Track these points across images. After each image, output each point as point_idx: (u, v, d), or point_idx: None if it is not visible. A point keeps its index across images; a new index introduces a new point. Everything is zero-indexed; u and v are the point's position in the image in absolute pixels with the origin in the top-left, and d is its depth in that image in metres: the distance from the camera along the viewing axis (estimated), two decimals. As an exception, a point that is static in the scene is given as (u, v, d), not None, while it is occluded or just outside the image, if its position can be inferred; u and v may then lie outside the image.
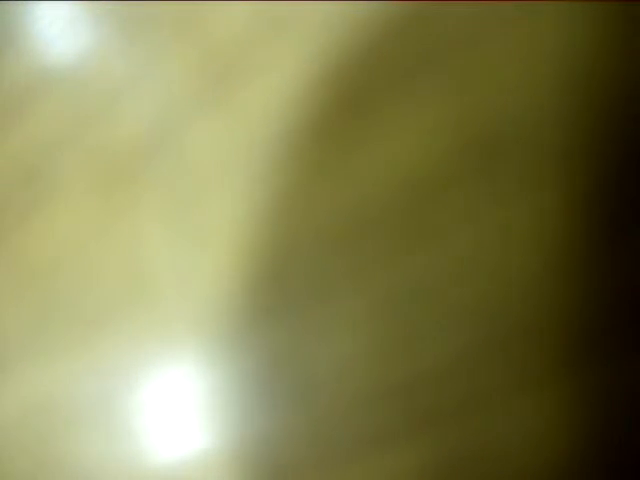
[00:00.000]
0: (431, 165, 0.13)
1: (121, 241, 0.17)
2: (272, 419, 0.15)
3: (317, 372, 0.14)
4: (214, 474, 0.15)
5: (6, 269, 0.19)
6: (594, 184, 0.12)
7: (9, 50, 0.19)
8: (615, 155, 0.12)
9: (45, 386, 0.18)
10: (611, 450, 0.11)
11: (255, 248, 0.15)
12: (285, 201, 0.15)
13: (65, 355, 0.18)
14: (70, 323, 0.18)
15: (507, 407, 0.12)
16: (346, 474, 0.14)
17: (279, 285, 0.15)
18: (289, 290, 0.14)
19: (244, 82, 0.15)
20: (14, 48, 0.19)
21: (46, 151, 0.18)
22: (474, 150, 0.13)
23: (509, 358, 0.12)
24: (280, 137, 0.15)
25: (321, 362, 0.14)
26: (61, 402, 0.18)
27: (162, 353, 0.16)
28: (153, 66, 0.17)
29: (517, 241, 0.12)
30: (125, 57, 0.17)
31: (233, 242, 0.15)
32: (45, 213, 0.18)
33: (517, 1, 0.12)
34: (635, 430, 0.11)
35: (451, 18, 0.13)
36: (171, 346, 0.16)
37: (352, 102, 0.14)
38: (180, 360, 0.16)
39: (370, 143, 0.14)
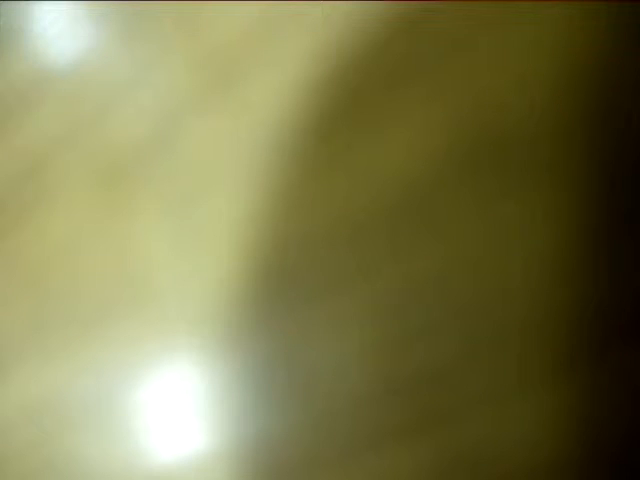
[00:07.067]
0: (433, 164, 0.13)
1: (121, 241, 0.17)
2: (271, 419, 0.15)
3: (315, 372, 0.14)
4: (213, 474, 0.15)
5: (4, 268, 0.19)
6: (595, 183, 0.12)
7: (10, 50, 0.19)
8: (616, 153, 0.12)
9: (43, 386, 0.18)
10: (610, 450, 0.11)
11: (254, 248, 0.15)
12: (285, 200, 0.15)
13: (64, 355, 0.18)
14: (69, 323, 0.18)
15: (505, 407, 0.12)
16: (343, 474, 0.14)
17: (278, 285, 0.15)
18: (288, 290, 0.14)
19: (245, 81, 0.15)
20: (15, 48, 0.19)
21: (46, 150, 0.18)
22: (475, 150, 0.13)
23: (507, 358, 0.12)
24: (281, 136, 0.15)
25: (319, 362, 0.14)
26: (60, 402, 0.18)
27: (161, 353, 0.16)
28: (153, 65, 0.17)
29: (516, 240, 0.12)
30: (125, 57, 0.17)
31: (233, 242, 0.15)
32: (44, 212, 0.18)
33: (518, 1, 0.12)
34: (634, 430, 0.11)
35: (452, 18, 0.13)
36: (170, 346, 0.16)
37: (354, 101, 0.14)
38: (179, 360, 0.16)
39: (372, 142, 0.14)
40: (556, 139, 0.12)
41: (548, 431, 0.12)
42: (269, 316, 0.15)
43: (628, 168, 0.11)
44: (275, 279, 0.15)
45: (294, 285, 0.14)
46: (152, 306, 0.16)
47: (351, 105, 0.14)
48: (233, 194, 0.15)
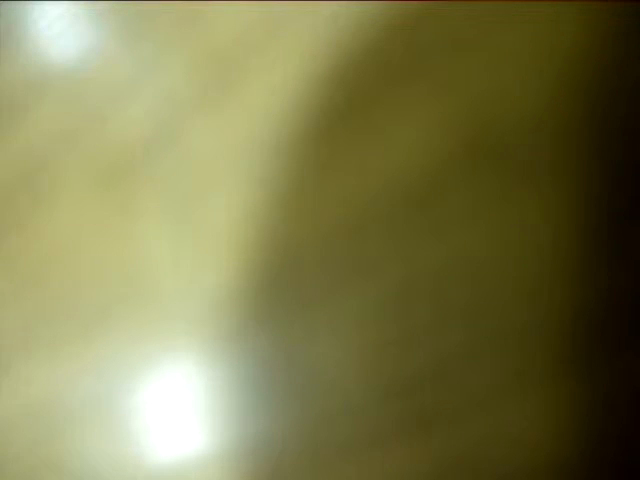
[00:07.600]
0: (433, 164, 0.13)
1: (121, 240, 0.17)
2: (271, 419, 0.15)
3: (315, 372, 0.14)
4: (213, 474, 0.15)
5: (4, 268, 0.19)
6: (594, 183, 0.12)
7: (10, 50, 0.19)
8: (616, 153, 0.12)
9: (44, 386, 0.18)
10: (610, 450, 0.11)
11: (254, 248, 0.15)
12: (285, 200, 0.15)
13: (64, 355, 0.18)
14: (69, 322, 0.18)
15: (505, 407, 0.12)
16: (342, 475, 0.14)
17: (278, 285, 0.15)
18: (288, 290, 0.14)
19: (245, 82, 0.15)
20: (15, 48, 0.19)
21: (47, 150, 0.18)
22: (475, 150, 0.13)
23: (507, 358, 0.12)
24: (281, 136, 0.15)
25: (319, 363, 0.14)
26: (60, 402, 0.18)
27: (161, 353, 0.16)
28: (154, 65, 0.17)
29: (516, 240, 0.12)
30: (126, 56, 0.17)
31: (233, 242, 0.15)
32: (45, 212, 0.18)
33: (517, 1, 0.12)
34: (634, 430, 0.11)
35: (451, 18, 0.13)
36: (171, 346, 0.16)
37: (354, 101, 0.14)
38: (180, 360, 0.16)
39: (372, 142, 0.14)
40: (556, 139, 0.12)
41: (548, 431, 0.12)
42: (269, 316, 0.15)
43: (628, 168, 0.11)
44: (275, 279, 0.15)
45: (294, 285, 0.14)
46: (152, 306, 0.16)
47: (351, 105, 0.14)
48: (234, 194, 0.15)
